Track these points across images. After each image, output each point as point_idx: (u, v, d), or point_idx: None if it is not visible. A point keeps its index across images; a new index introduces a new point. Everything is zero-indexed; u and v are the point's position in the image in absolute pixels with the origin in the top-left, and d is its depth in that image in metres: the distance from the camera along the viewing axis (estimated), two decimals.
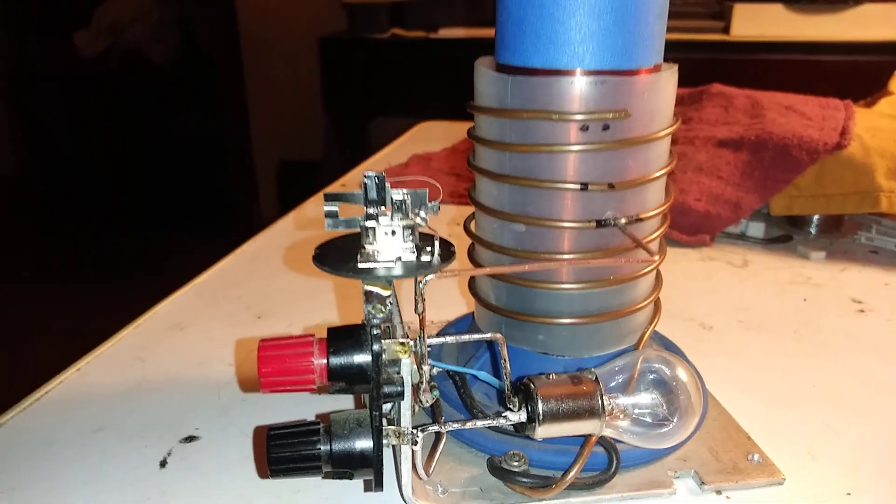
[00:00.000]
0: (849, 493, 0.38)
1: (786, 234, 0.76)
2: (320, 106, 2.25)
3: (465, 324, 0.50)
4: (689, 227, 0.73)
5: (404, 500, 0.35)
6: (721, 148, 0.77)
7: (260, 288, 0.64)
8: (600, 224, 0.38)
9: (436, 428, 0.35)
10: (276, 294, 0.63)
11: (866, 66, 1.57)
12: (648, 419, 0.35)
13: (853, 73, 1.62)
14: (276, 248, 0.73)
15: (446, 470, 0.38)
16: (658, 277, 0.44)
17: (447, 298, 0.60)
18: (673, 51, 0.39)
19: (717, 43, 1.82)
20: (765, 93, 0.84)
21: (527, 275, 0.40)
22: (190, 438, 0.43)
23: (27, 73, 2.61)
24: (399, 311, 0.37)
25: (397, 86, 2.05)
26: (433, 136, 1.16)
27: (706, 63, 1.63)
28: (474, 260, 0.44)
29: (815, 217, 0.75)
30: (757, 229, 0.75)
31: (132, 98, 2.56)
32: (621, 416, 0.35)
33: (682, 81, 0.40)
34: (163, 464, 0.41)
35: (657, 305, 0.44)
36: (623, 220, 0.38)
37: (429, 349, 0.36)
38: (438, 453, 0.37)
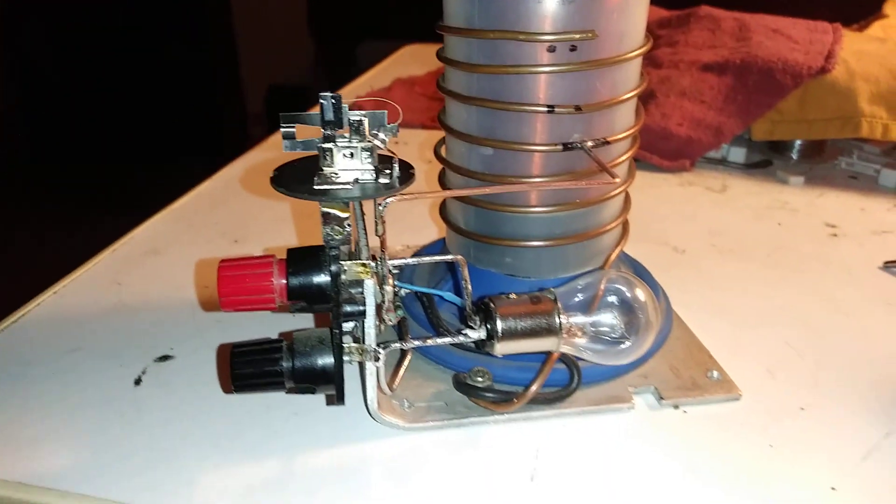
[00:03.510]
0: (802, 409, 0.39)
1: (766, 160, 0.75)
2: (307, 29, 2.19)
3: (437, 248, 0.50)
4: (670, 151, 0.73)
5: (370, 414, 0.37)
6: (705, 72, 0.76)
7: (237, 213, 0.64)
8: (567, 147, 0.38)
9: (398, 345, 0.35)
10: (252, 220, 0.63)
11: None
12: (607, 337, 0.36)
13: None
14: (256, 174, 0.73)
15: (413, 386, 0.39)
16: (627, 200, 0.44)
17: (421, 223, 0.60)
18: None
19: None
20: (753, 15, 0.82)
21: (494, 198, 0.40)
22: (164, 358, 0.44)
23: (9, 1, 2.53)
24: (366, 234, 0.38)
25: (383, 7, 2.00)
26: (418, 59, 1.14)
27: None
28: (444, 184, 0.44)
29: (797, 142, 0.75)
30: (738, 154, 0.75)
31: (117, 25, 2.49)
32: (579, 333, 0.35)
33: None
34: (137, 382, 0.42)
35: (625, 228, 0.45)
36: (590, 144, 0.38)
37: (397, 271, 0.37)
38: (403, 369, 0.38)
